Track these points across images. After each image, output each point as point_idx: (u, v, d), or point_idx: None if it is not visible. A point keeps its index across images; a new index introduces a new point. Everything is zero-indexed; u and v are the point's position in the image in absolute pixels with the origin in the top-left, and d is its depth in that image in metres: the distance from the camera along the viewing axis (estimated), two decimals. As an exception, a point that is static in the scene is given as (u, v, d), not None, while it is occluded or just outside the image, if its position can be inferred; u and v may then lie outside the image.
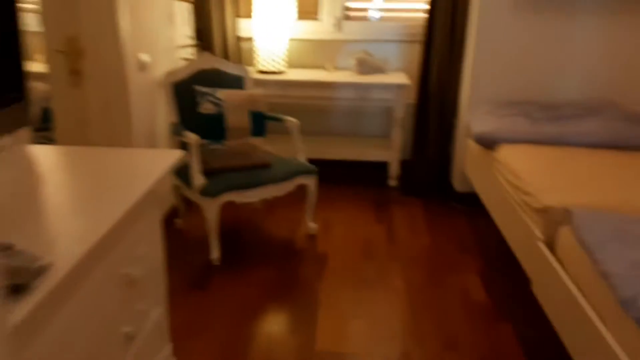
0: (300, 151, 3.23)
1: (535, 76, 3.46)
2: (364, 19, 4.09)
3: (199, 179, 2.81)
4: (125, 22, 2.58)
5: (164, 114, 3.17)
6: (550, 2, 3.32)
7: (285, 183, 3.00)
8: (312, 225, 3.26)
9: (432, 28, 3.69)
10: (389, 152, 3.91)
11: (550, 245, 2.15)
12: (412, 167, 3.97)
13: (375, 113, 4.19)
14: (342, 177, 4.10)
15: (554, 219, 2.16)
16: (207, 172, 2.86)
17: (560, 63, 3.43)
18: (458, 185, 3.72)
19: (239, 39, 3.97)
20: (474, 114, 3.37)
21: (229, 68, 3.36)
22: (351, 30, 4.04)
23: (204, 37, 3.73)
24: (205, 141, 3.07)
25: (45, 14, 2.47)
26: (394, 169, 3.94)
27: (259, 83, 3.71)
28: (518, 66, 3.45)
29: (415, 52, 3.88)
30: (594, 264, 1.77)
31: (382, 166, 3.99)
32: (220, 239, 2.92)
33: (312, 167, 3.12)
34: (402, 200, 3.78)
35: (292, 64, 4.08)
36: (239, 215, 3.44)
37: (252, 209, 3.49)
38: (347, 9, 4.05)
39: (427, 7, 3.64)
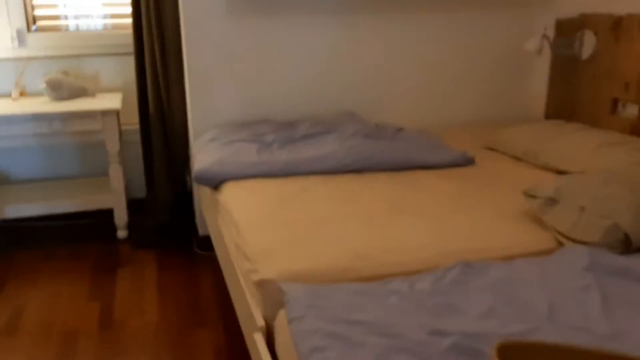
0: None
1: (266, 89, 2.89)
2: (58, 29, 3.16)
3: None
4: None
5: None
6: (273, 2, 2.77)
7: None
8: (-17, 326, 2.29)
9: (141, 37, 2.94)
10: (109, 196, 3.05)
11: (272, 338, 1.54)
12: (142, 211, 3.18)
13: (88, 147, 3.30)
14: (52, 237, 3.14)
15: (273, 298, 1.55)
16: None
17: (294, 72, 2.91)
18: (202, 227, 3.02)
19: None
20: (197, 143, 2.68)
21: None
22: (41, 45, 3.09)
23: None
24: None
25: None
26: (120, 217, 3.10)
27: None
28: (245, 79, 2.85)
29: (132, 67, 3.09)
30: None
31: (109, 213, 3.13)
32: None
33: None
34: (131, 257, 2.95)
35: (-41, 94, 3.01)
36: None
37: None
38: (36, 18, 3.09)
39: (130, 10, 2.88)
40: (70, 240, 3.12)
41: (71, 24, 3.16)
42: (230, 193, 2.17)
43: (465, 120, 3.19)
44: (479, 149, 2.67)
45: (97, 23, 3.20)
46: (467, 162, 2.44)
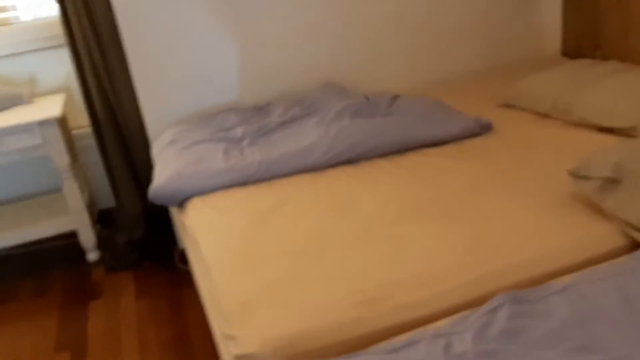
0: None
1: (227, 69, 2.39)
2: (-26, 27, 2.64)
3: None
4: None
5: None
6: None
7: None
8: None
9: (69, 23, 2.43)
10: (69, 216, 2.62)
11: None
12: (113, 227, 2.75)
13: (32, 163, 2.83)
14: (7, 275, 2.72)
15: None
16: None
17: (259, 42, 2.41)
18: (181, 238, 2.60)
19: None
20: (155, 147, 2.22)
21: None
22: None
23: None
24: None
25: None
26: (87, 238, 2.67)
27: None
28: (200, 60, 2.35)
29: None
30: None
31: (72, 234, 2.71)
32: None
33: None
34: (105, 283, 2.54)
35: None
36: None
37: None
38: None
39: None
40: (36, 270, 2.71)
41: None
42: (196, 215, 1.72)
43: (469, 72, 2.70)
44: (494, 108, 2.20)
45: (18, 16, 2.68)
46: (484, 129, 1.98)
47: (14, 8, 2.67)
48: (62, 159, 2.49)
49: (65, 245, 2.82)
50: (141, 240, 2.68)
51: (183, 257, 2.53)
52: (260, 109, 2.24)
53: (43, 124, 2.40)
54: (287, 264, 1.38)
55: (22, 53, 2.67)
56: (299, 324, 1.19)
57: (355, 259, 1.37)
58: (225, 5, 2.31)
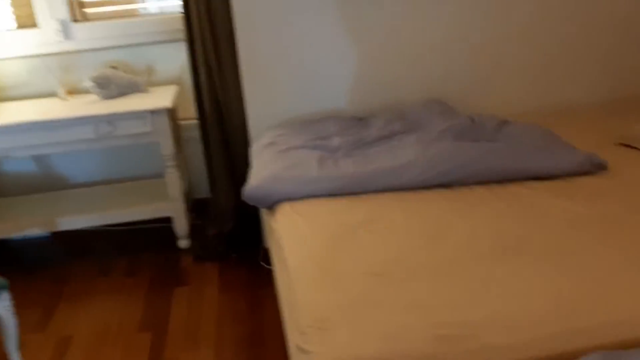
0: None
1: (333, 77, 2.40)
2: (105, 16, 2.83)
3: None
4: None
5: None
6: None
7: None
8: (21, 366, 2.05)
9: (191, 20, 2.54)
10: (167, 203, 2.74)
11: None
12: (205, 218, 2.85)
13: (140, 148, 2.99)
14: (104, 250, 2.89)
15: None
16: None
17: (368, 53, 2.39)
18: (267, 237, 2.64)
19: None
20: (255, 148, 2.26)
21: None
22: (90, 35, 2.78)
23: None
24: None
25: None
26: (180, 226, 2.78)
27: None
28: (308, 66, 2.38)
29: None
30: None
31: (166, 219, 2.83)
32: None
33: (-6, 282, 1.89)
34: (192, 272, 2.64)
35: (7, 97, 2.78)
36: None
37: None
38: (82, 4, 2.78)
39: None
40: (129, 249, 2.86)
41: (120, 10, 2.83)
42: (285, 220, 1.73)
43: (586, 103, 2.53)
44: (610, 146, 2.04)
45: (146, 8, 2.84)
46: (597, 168, 1.84)
47: (134, 1, 2.83)
48: (168, 147, 2.61)
49: (159, 229, 2.96)
50: (230, 233, 2.75)
51: (266, 256, 2.57)
52: (360, 120, 2.22)
53: (155, 112, 2.53)
54: (369, 285, 1.35)
55: (144, 44, 2.83)
56: (375, 349, 1.16)
57: (440, 289, 1.31)
58: (342, 14, 2.32)
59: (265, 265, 2.56)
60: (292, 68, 2.39)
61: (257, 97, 2.40)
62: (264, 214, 2.20)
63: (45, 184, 2.95)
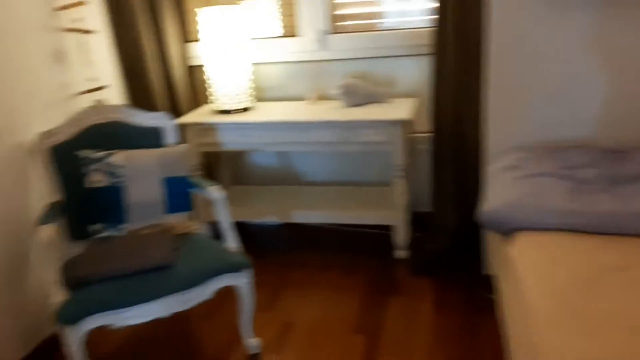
0: (230, 235, 2.25)
1: (588, 101, 2.21)
2: (358, 29, 3.00)
3: (56, 296, 1.93)
4: None
5: (41, 192, 2.31)
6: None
7: (193, 290, 2.02)
8: (253, 342, 2.26)
9: (442, 35, 2.56)
10: (391, 211, 2.80)
11: None
12: (424, 232, 2.85)
13: (371, 155, 3.10)
14: (325, 246, 3.05)
15: None
16: (73, 284, 1.97)
17: (632, 77, 2.16)
18: (487, 265, 2.55)
19: (191, 69, 3.06)
20: (491, 169, 2.19)
21: (140, 118, 2.45)
22: (341, 46, 2.98)
23: (131, 73, 2.86)
24: (101, 226, 2.21)
25: None
26: (400, 235, 2.83)
27: (204, 130, 2.79)
28: (560, 88, 2.23)
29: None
30: None
31: (386, 227, 2.91)
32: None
33: (241, 260, 2.12)
34: (408, 283, 2.66)
35: (264, 97, 3.11)
36: (134, 340, 2.46)
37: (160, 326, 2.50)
38: (337, 18, 2.99)
39: (436, 6, 2.51)
40: (348, 249, 2.99)
41: (372, 24, 2.97)
42: (524, 251, 1.65)
43: None
44: None
45: (393, 22, 2.94)
46: None
47: (382, 16, 2.94)
48: (399, 157, 2.67)
49: (376, 235, 3.05)
50: (449, 251, 2.71)
51: (487, 283, 2.47)
52: (616, 153, 2.02)
53: (392, 123, 2.61)
54: (624, 341, 1.21)
55: (386, 56, 2.94)
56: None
57: None
58: (598, 36, 2.13)
59: (486, 295, 2.46)
60: (541, 90, 2.27)
61: (500, 116, 2.32)
62: (495, 240, 2.12)
63: (283, 178, 3.25)
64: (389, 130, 2.63)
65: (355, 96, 2.83)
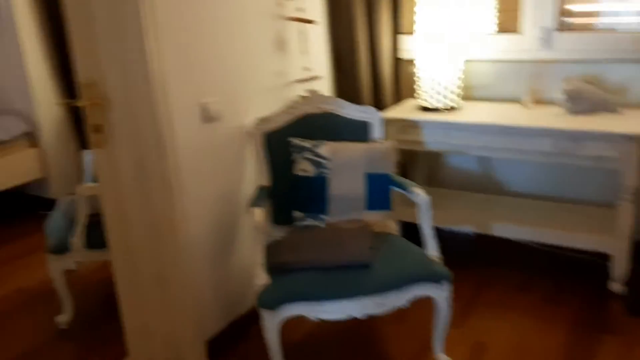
0: (430, 241, 2.12)
1: None
2: (589, 28, 2.66)
3: (260, 278, 1.97)
4: (160, 60, 1.88)
5: (252, 175, 2.39)
6: None
7: (390, 295, 1.94)
8: (443, 358, 2.11)
9: None
10: (611, 238, 2.44)
11: None
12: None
13: (593, 171, 2.74)
14: (527, 265, 2.77)
15: None
16: (275, 269, 1.99)
17: None
18: None
19: (398, 62, 2.97)
20: None
21: (350, 110, 2.41)
22: (568, 46, 2.66)
23: (341, 65, 2.84)
24: (303, 215, 2.23)
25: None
26: (618, 267, 2.46)
27: (406, 126, 2.69)
28: None
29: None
30: None
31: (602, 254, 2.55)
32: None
33: (443, 271, 1.98)
34: (624, 323, 2.30)
35: (471, 96, 2.91)
36: (322, 333, 2.37)
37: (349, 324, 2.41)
38: (565, 13, 2.68)
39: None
40: (552, 271, 2.69)
41: (605, 23, 2.61)
42: None
43: None
44: None
45: (633, 22, 2.54)
46: None
47: (600, 14, 2.55)
48: (630, 178, 2.31)
49: (589, 262, 2.70)
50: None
51: None
52: None
53: (626, 138, 2.25)
54: None
55: (620, 60, 2.56)
56: None
57: None
58: None
59: None
60: None
61: None
62: None
63: (483, 184, 3.02)
64: (621, 145, 2.28)
65: (582, 103, 2.51)
